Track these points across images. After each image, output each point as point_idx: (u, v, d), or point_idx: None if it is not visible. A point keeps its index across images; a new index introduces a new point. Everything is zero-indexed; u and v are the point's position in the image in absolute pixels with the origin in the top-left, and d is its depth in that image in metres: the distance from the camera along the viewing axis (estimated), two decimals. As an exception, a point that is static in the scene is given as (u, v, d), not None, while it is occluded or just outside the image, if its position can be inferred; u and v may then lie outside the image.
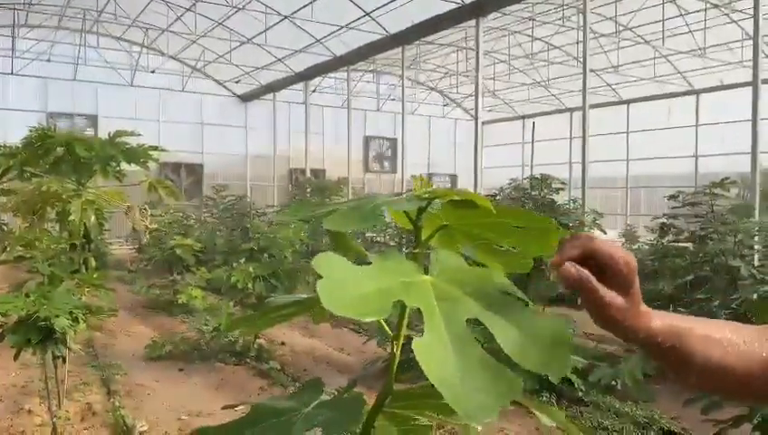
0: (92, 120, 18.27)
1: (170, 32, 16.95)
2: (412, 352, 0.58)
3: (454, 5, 12.50)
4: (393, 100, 21.70)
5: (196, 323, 7.64)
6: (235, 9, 15.04)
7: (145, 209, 5.29)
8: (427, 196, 0.77)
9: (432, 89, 23.05)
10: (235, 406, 0.97)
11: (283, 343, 7.25)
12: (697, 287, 6.33)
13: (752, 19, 8.94)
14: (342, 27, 15.44)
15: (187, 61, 19.46)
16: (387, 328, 0.77)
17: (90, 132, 15.46)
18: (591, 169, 11.67)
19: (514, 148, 21.94)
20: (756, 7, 8.50)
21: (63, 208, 4.19)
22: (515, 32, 16.73)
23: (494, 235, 0.87)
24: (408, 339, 0.64)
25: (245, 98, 20.75)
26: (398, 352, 0.76)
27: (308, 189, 16.29)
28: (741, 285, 5.82)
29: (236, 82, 20.28)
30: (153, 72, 18.89)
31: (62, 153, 4.28)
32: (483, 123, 20.68)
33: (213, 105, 20.49)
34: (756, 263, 6.48)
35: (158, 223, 9.62)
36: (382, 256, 0.73)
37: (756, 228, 6.67)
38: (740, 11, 13.37)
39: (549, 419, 0.80)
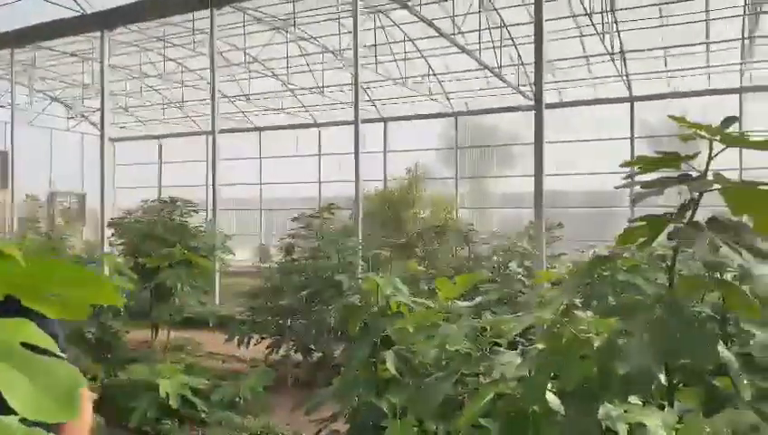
0: None
1: None
2: None
3: (77, 13, 11.56)
4: (3, 107, 18.80)
5: None
6: None
7: None
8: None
9: (54, 99, 20.72)
10: None
11: None
12: (313, 300, 7.08)
13: (352, 67, 10.45)
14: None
15: None
16: None
17: None
18: (228, 191, 12.06)
19: (151, 167, 21.28)
20: (355, 55, 9.96)
21: None
22: (147, 49, 16.27)
23: (38, 283, 0.90)
24: None
25: None
26: None
27: None
28: (345, 295, 6.73)
29: None
30: None
31: None
32: (115, 140, 19.50)
33: None
34: (359, 275, 7.57)
35: None
36: None
37: (359, 246, 7.81)
38: (348, 58, 15.50)
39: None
